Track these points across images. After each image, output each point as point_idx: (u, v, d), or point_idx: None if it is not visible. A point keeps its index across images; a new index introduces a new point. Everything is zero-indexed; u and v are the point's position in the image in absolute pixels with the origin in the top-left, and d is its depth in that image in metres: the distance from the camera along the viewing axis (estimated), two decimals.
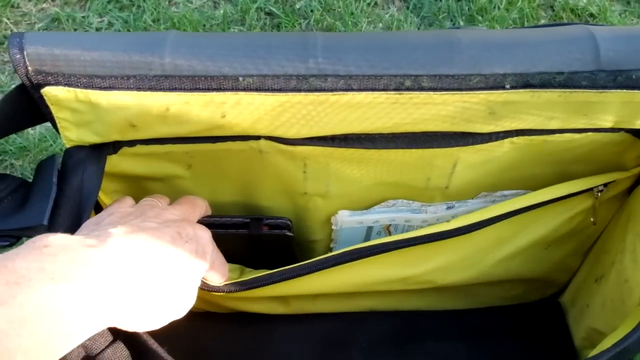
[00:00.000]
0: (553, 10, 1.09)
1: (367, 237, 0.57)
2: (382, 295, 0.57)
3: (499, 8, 1.06)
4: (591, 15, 1.08)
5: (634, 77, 0.40)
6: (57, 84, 0.38)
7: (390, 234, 0.56)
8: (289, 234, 0.51)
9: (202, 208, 0.46)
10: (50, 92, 0.39)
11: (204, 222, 0.49)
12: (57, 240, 0.32)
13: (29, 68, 0.38)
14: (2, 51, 0.98)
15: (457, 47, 0.39)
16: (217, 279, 0.45)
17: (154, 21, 1.02)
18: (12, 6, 1.03)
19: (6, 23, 1.00)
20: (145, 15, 1.02)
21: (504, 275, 0.57)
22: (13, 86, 0.92)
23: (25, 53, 0.38)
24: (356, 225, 0.54)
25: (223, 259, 0.45)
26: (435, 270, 0.54)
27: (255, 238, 0.51)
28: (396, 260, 0.52)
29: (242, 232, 0.50)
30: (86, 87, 0.38)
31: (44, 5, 1.04)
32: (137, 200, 0.44)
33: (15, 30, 0.99)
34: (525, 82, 0.40)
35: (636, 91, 0.40)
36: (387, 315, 0.59)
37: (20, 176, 0.43)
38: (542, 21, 1.07)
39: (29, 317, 0.27)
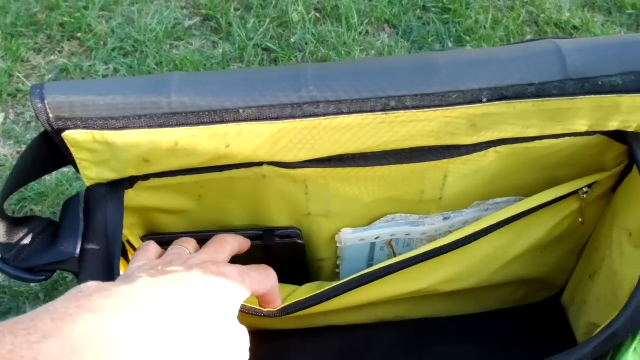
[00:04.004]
0: (538, 26, 1.13)
1: (371, 253, 0.60)
2: (391, 305, 0.60)
3: (485, 27, 1.10)
4: (574, 27, 1.12)
5: (600, 83, 0.43)
6: (76, 127, 0.42)
7: (392, 248, 0.59)
8: (299, 241, 0.54)
9: (232, 245, 0.47)
10: (70, 136, 0.43)
11: None
12: (89, 284, 0.35)
13: (50, 115, 0.42)
14: (15, 103, 1.03)
15: (435, 67, 0.43)
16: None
17: (157, 64, 1.07)
18: (22, 60, 1.08)
19: (18, 77, 1.05)
20: (149, 59, 1.07)
21: (505, 280, 0.60)
22: (28, 136, 0.97)
23: (46, 102, 0.42)
24: (359, 242, 0.58)
25: (262, 278, 0.45)
26: (438, 283, 0.57)
27: (269, 249, 0.54)
28: (401, 279, 0.55)
29: (255, 243, 0.53)
30: (102, 128, 0.42)
31: (52, 57, 1.10)
32: (162, 242, 0.46)
33: (27, 83, 1.04)
34: (500, 94, 0.43)
35: (603, 96, 0.44)
36: (397, 324, 0.62)
37: None
38: (528, 37, 1.11)
39: (78, 345, 0.30)
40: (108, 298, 0.33)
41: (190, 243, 0.47)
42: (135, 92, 0.42)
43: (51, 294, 0.80)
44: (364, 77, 0.43)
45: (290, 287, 0.58)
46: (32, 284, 0.81)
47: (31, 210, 0.88)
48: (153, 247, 0.45)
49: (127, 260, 0.52)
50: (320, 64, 0.45)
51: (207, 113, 0.42)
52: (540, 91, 0.43)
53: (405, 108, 0.43)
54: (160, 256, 0.45)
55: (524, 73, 0.43)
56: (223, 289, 0.39)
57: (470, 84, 0.43)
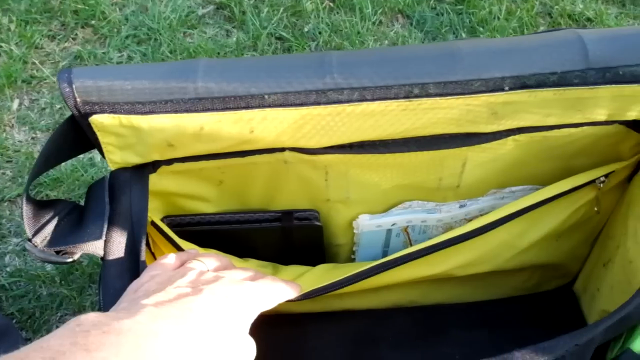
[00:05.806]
0: (551, 17, 1.13)
1: (387, 239, 0.61)
2: (406, 290, 0.61)
3: (498, 18, 1.10)
4: (588, 19, 1.12)
5: (620, 72, 0.44)
6: (102, 112, 0.43)
7: (408, 234, 0.60)
8: (317, 223, 0.55)
9: (254, 271, 0.45)
10: (97, 120, 0.43)
11: (240, 219, 0.52)
12: (88, 318, 0.33)
13: (78, 99, 0.43)
14: (30, 90, 1.03)
15: (458, 55, 0.44)
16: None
17: (171, 52, 1.07)
18: (36, 47, 1.09)
19: (33, 63, 1.06)
20: (163, 47, 1.07)
21: (520, 266, 0.61)
22: (42, 122, 0.98)
23: (74, 87, 0.42)
24: (376, 229, 0.58)
25: (284, 286, 0.45)
26: (454, 268, 0.57)
27: (287, 231, 0.55)
28: (417, 263, 0.55)
29: (274, 225, 0.54)
30: (129, 112, 0.43)
31: (66, 44, 1.10)
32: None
33: (42, 69, 1.05)
34: (522, 83, 0.44)
35: (624, 85, 0.44)
36: (411, 310, 0.63)
37: None
38: (541, 28, 1.11)
39: None
40: (106, 335, 0.32)
41: (211, 259, 0.44)
42: (162, 77, 0.43)
43: (67, 278, 0.81)
44: (387, 65, 0.43)
45: (303, 267, 0.59)
46: (48, 268, 0.82)
47: (47, 195, 0.89)
48: (171, 259, 0.43)
49: (148, 243, 0.52)
50: (345, 51, 0.45)
51: (232, 98, 0.43)
52: (562, 80, 0.44)
53: (428, 95, 0.43)
54: (179, 267, 0.42)
55: (546, 62, 0.43)
56: (233, 308, 0.38)
57: (493, 72, 0.43)
